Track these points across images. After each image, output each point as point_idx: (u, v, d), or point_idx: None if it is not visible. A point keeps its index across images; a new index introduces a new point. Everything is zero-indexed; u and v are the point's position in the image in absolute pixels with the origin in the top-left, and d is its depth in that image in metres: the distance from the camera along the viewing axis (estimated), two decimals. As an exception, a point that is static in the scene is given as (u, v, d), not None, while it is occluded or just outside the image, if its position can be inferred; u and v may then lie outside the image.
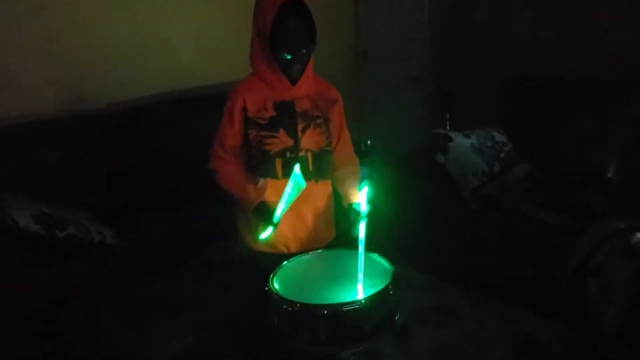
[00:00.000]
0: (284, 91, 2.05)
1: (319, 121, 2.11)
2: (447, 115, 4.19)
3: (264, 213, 2.02)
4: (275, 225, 2.00)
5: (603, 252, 2.44)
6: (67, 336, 2.32)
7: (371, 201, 1.93)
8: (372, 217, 1.92)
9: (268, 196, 2.10)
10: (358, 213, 1.96)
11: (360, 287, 1.70)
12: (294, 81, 2.04)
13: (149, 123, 3.40)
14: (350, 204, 2.06)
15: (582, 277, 2.47)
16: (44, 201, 2.72)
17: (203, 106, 3.42)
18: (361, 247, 1.78)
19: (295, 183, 1.96)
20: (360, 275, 1.72)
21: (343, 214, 2.14)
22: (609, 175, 3.20)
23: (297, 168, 1.96)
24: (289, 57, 1.97)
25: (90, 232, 2.70)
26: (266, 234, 2.01)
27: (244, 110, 2.04)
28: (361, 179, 2.21)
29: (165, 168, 3.37)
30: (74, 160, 3.10)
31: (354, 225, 1.98)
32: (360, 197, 1.91)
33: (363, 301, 1.62)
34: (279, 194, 2.06)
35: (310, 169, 2.11)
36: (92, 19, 3.37)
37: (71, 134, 3.15)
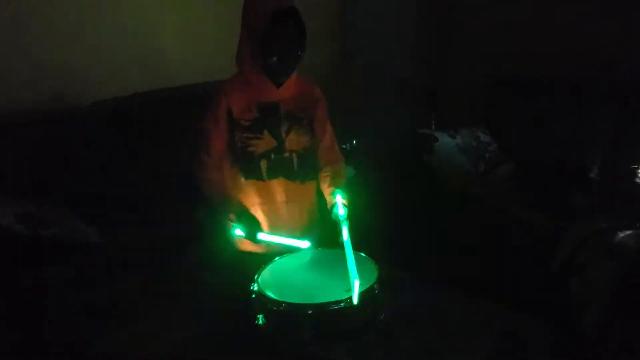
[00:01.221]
0: (268, 92, 2.04)
1: (303, 122, 2.11)
2: (433, 116, 4.21)
3: (248, 222, 2.01)
4: (256, 241, 2.00)
5: (586, 251, 2.47)
6: (52, 337, 2.30)
7: (349, 204, 1.94)
8: (355, 218, 1.93)
9: (252, 197, 2.10)
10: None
11: (356, 285, 1.66)
12: (279, 85, 2.04)
13: (132, 121, 3.38)
14: (333, 206, 2.06)
15: (565, 276, 2.49)
16: (27, 200, 2.70)
17: (187, 105, 3.40)
18: (348, 250, 1.78)
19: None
20: (356, 282, 1.67)
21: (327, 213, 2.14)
22: (592, 175, 3.23)
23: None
24: (278, 62, 1.97)
25: (74, 231, 2.68)
26: (238, 232, 2.01)
27: (229, 111, 2.03)
28: (346, 180, 2.22)
29: (149, 166, 3.35)
30: (57, 159, 3.07)
31: (338, 229, 1.99)
32: (337, 202, 1.92)
33: (348, 301, 1.63)
34: (263, 195, 2.06)
35: (296, 170, 2.11)
36: (75, 18, 3.34)
37: (54, 133, 3.11)
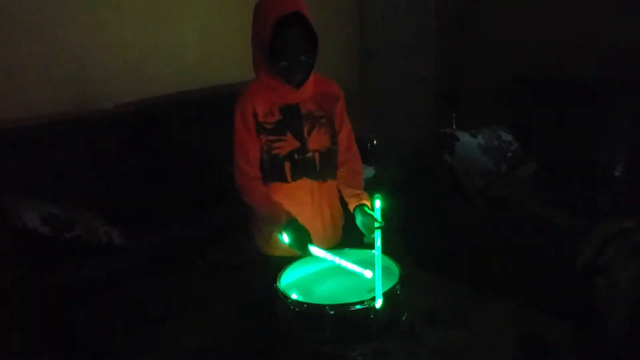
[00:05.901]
0: (288, 95, 2.05)
1: (323, 121, 2.11)
2: (454, 115, 4.19)
3: (299, 232, 1.95)
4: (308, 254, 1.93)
5: (610, 251, 2.44)
6: (75, 336, 2.33)
7: (384, 213, 1.92)
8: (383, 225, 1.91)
9: (278, 200, 2.09)
10: (368, 219, 1.96)
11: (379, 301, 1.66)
12: (297, 86, 2.05)
13: (154, 124, 3.41)
14: (359, 208, 2.06)
15: (590, 276, 2.46)
16: (52, 202, 2.74)
17: (208, 107, 3.43)
18: (377, 258, 1.76)
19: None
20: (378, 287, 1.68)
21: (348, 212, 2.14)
22: (616, 173, 3.19)
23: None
24: (289, 66, 1.97)
25: (98, 233, 2.71)
26: (286, 239, 1.96)
27: (255, 115, 2.04)
28: (366, 180, 2.22)
29: (171, 168, 3.38)
30: (82, 161, 3.11)
31: (366, 233, 1.98)
32: (375, 208, 1.90)
33: (370, 301, 1.63)
34: (289, 198, 2.06)
35: (318, 169, 2.12)
36: (98, 21, 3.38)
37: (78, 135, 3.16)
